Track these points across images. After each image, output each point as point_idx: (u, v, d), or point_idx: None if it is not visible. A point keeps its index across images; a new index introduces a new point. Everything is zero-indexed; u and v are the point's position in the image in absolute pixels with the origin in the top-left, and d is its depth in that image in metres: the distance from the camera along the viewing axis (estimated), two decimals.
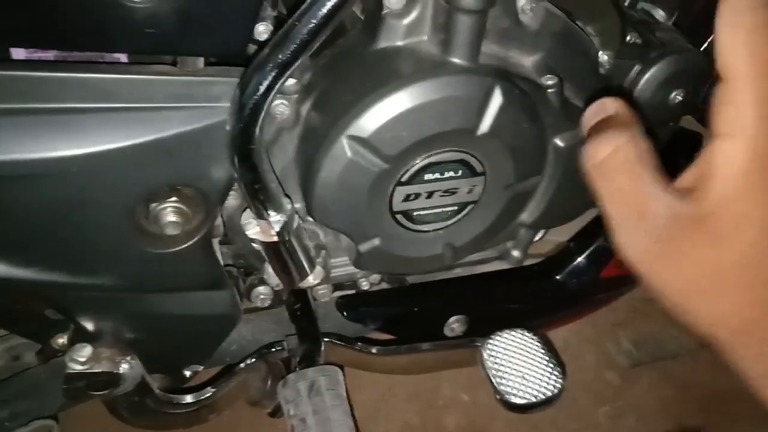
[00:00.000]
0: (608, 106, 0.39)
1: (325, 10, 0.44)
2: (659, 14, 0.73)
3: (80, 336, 0.61)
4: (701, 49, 0.75)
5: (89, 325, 0.61)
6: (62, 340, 0.65)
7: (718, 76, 0.33)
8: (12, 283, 0.53)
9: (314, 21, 0.45)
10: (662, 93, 0.70)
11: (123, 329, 0.62)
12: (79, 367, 0.59)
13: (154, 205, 0.54)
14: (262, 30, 0.56)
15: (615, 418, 1.20)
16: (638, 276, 0.35)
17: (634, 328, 1.32)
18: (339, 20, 0.45)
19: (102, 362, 0.60)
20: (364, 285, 0.76)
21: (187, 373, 0.71)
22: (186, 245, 0.56)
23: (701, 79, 0.72)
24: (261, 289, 0.72)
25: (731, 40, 0.32)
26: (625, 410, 1.21)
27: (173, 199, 0.54)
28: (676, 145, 0.82)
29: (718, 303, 0.33)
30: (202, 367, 0.72)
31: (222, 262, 0.64)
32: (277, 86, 0.46)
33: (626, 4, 0.70)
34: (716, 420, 1.21)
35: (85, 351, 0.59)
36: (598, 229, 0.79)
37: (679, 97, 0.71)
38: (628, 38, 0.68)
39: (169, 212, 0.54)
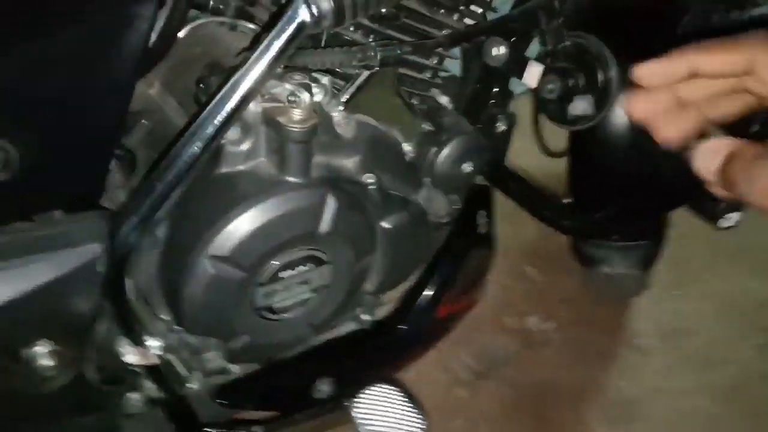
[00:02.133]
0: (721, 146, 0.42)
1: (185, 162, 0.51)
2: (444, 100, 0.90)
3: None
4: (476, 125, 0.94)
5: None
6: None
7: None
8: None
9: (176, 171, 0.52)
10: (456, 166, 0.86)
11: None
12: None
13: (25, 351, 0.56)
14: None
15: (468, 429, 1.37)
16: None
17: (470, 344, 1.52)
18: (199, 169, 0.52)
19: None
20: (234, 369, 0.82)
21: None
22: (63, 381, 0.59)
23: (483, 150, 0.90)
24: (133, 396, 0.74)
25: None
26: (476, 419, 1.39)
27: (46, 342, 0.56)
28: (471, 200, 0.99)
29: None
30: None
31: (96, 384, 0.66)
32: (145, 232, 0.52)
33: (417, 100, 0.85)
34: (544, 409, 1.44)
35: None
36: (425, 279, 0.94)
37: (470, 167, 0.88)
38: (422, 128, 0.83)
39: (42, 355, 0.56)
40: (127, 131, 0.70)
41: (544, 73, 0.82)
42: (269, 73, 0.54)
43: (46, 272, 0.53)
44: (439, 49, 0.81)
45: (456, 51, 0.86)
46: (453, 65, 0.87)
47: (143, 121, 0.72)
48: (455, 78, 0.90)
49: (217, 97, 0.53)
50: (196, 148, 0.52)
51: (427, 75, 0.83)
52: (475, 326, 1.52)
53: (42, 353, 0.56)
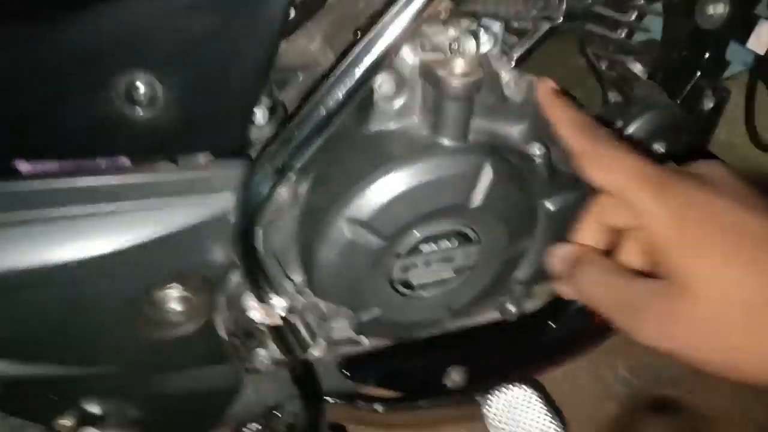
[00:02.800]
0: (566, 248, 0.50)
1: (325, 111, 0.46)
2: (637, 68, 0.76)
3: (86, 419, 0.62)
4: (678, 101, 0.78)
5: (95, 409, 0.62)
6: (64, 421, 0.65)
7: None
8: (23, 378, 0.54)
9: (317, 119, 0.46)
10: (645, 145, 0.72)
11: (128, 410, 0.63)
12: None
13: (157, 293, 0.55)
14: (259, 115, 0.58)
15: None
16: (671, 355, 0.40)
17: (630, 356, 1.35)
18: (340, 120, 0.47)
19: None
20: (365, 341, 0.77)
21: None
22: (192, 328, 0.57)
23: (680, 129, 0.75)
24: (261, 352, 0.73)
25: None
26: None
27: (178, 288, 0.55)
28: None
29: (728, 349, 0.38)
30: None
31: (225, 336, 0.65)
32: (280, 183, 0.47)
33: (605, 65, 0.72)
34: None
35: None
36: None
37: (661, 149, 0.73)
38: (609, 98, 0.70)
39: (174, 301, 0.56)
40: (282, 86, 0.67)
41: None
42: (422, 15, 0.47)
43: (181, 216, 0.51)
44: (640, 2, 0.67)
45: (659, 7, 0.71)
46: (655, 24, 0.72)
47: (300, 76, 0.69)
48: (655, 42, 0.75)
49: (363, 41, 0.46)
50: (338, 96, 0.46)
51: (620, 35, 0.70)
52: None
53: (173, 297, 0.56)
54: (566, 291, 0.48)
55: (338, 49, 0.66)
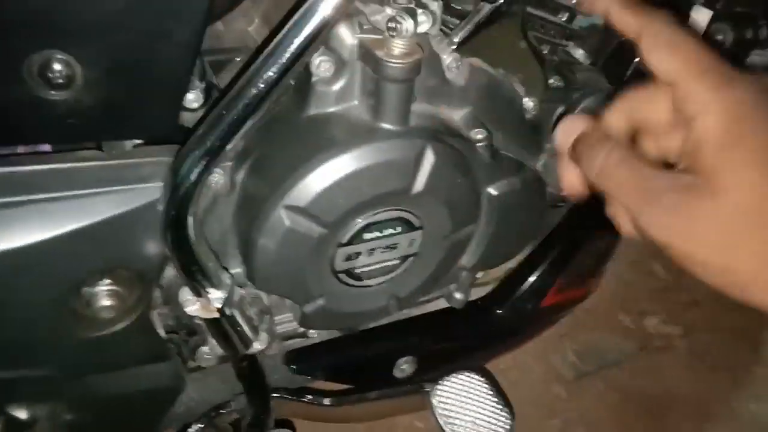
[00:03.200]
0: (578, 124, 0.46)
1: (256, 91, 0.44)
2: (579, 53, 0.76)
3: (12, 426, 0.58)
4: (618, 86, 0.79)
5: (22, 414, 0.58)
6: None
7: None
8: None
9: (247, 102, 0.44)
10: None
11: (60, 413, 0.60)
12: None
13: (86, 289, 0.52)
14: (192, 98, 0.56)
15: (565, 430, 1.24)
16: (665, 250, 0.40)
17: (576, 339, 1.37)
18: (273, 101, 0.45)
19: None
20: (312, 334, 0.76)
21: None
22: (124, 324, 0.55)
23: None
24: (205, 348, 0.70)
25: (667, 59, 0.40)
26: (574, 422, 1.25)
27: (107, 282, 0.52)
28: None
29: (732, 253, 0.38)
30: None
31: (163, 333, 0.62)
32: (210, 169, 0.45)
33: (546, 49, 0.72)
34: (660, 422, 1.27)
35: None
36: (536, 259, 0.82)
37: None
38: (550, 82, 0.70)
39: (103, 296, 0.53)
40: (219, 69, 0.64)
41: (713, 20, 0.66)
42: None
43: (108, 206, 0.48)
44: None
45: None
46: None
47: (237, 58, 0.66)
48: (596, 27, 0.75)
49: (295, 17, 0.44)
50: (269, 76, 0.44)
51: (562, 19, 0.70)
52: (585, 320, 1.37)
53: (103, 292, 0.53)
54: (573, 176, 0.46)
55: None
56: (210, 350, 0.70)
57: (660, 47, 0.41)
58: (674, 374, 1.36)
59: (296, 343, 0.77)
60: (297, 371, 0.74)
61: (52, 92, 0.43)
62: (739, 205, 0.37)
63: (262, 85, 0.44)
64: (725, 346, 1.41)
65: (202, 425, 0.68)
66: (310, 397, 0.72)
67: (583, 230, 0.85)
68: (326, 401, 0.72)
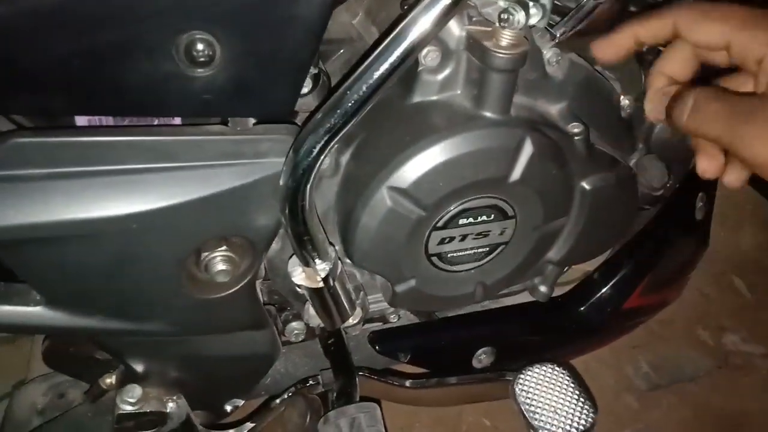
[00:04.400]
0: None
1: (376, 77, 0.47)
2: None
3: (129, 377, 0.64)
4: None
5: (138, 367, 0.64)
6: (110, 380, 0.67)
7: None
8: (71, 330, 0.56)
9: (365, 88, 0.48)
10: (681, 132, 0.72)
11: (169, 370, 0.65)
12: (129, 408, 0.62)
13: (205, 254, 0.57)
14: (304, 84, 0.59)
15: None
16: (764, 169, 0.42)
17: (651, 351, 1.34)
18: (389, 87, 0.48)
19: (151, 402, 0.63)
20: (393, 319, 0.78)
21: (228, 409, 0.74)
22: (233, 290, 0.59)
23: None
24: (295, 324, 0.75)
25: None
26: None
27: (223, 248, 0.57)
28: (692, 178, 0.85)
29: None
30: (242, 402, 0.75)
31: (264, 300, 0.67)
32: (328, 148, 0.49)
33: (644, 48, 0.72)
34: None
35: (136, 392, 0.62)
36: (621, 260, 0.82)
37: None
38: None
39: (219, 261, 0.57)
40: (325, 58, 0.68)
41: None
42: None
43: (231, 177, 0.53)
44: None
45: None
46: None
47: (341, 50, 0.70)
48: None
49: (411, 14, 0.47)
50: (384, 69, 0.47)
51: None
52: (661, 331, 1.34)
53: (219, 258, 0.57)
54: (676, 119, 0.49)
55: (381, 24, 0.68)
56: (300, 326, 0.74)
57: (695, 23, 0.48)
58: (751, 394, 1.30)
59: (375, 326, 0.80)
60: (381, 351, 0.77)
61: (194, 69, 0.48)
62: None
63: (376, 78, 0.47)
64: None
65: (291, 394, 0.72)
66: (393, 378, 0.75)
67: (670, 235, 0.84)
68: (407, 383, 0.75)
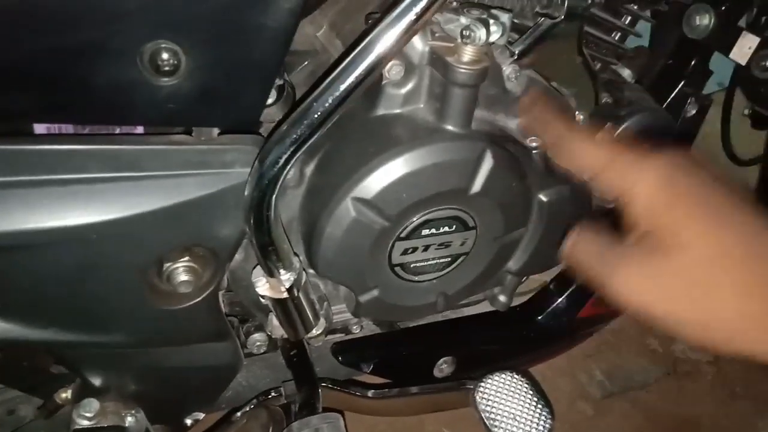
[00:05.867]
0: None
1: (342, 89, 0.48)
2: (626, 73, 0.80)
3: (86, 391, 0.62)
4: (663, 105, 0.82)
5: (96, 380, 0.62)
6: (65, 394, 0.65)
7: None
8: (26, 343, 0.54)
9: (332, 99, 0.48)
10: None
11: (128, 382, 0.64)
12: (86, 423, 0.60)
13: (167, 264, 0.56)
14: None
15: None
16: (645, 316, 0.41)
17: (604, 359, 1.38)
18: (355, 99, 0.48)
19: (108, 416, 0.61)
20: (356, 330, 0.79)
21: (188, 422, 0.73)
22: (196, 301, 0.58)
23: (666, 133, 0.79)
24: (257, 336, 0.74)
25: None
26: None
27: (186, 258, 0.56)
28: None
29: (708, 306, 0.39)
30: (202, 416, 0.74)
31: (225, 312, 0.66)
32: (294, 159, 0.49)
33: (598, 66, 0.76)
34: None
35: (93, 406, 0.60)
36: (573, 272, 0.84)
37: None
38: (601, 98, 0.74)
39: (181, 271, 0.57)
40: (290, 70, 0.69)
41: (760, 47, 0.69)
42: (437, 5, 0.49)
43: (196, 187, 0.52)
44: (634, 8, 0.71)
45: (650, 13, 0.75)
46: (645, 31, 0.76)
47: (306, 62, 0.71)
48: (644, 49, 0.79)
49: (378, 28, 0.48)
50: (351, 79, 0.48)
51: (615, 38, 0.74)
52: (613, 340, 1.38)
53: (182, 268, 0.57)
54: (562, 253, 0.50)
55: (345, 36, 0.69)
56: (263, 338, 0.74)
57: (568, 152, 0.48)
58: (699, 400, 1.36)
59: (337, 338, 0.80)
60: (344, 362, 0.77)
61: (159, 78, 0.47)
62: (703, 256, 0.39)
63: (342, 91, 0.48)
64: (751, 375, 1.41)
65: (253, 406, 0.71)
66: (355, 389, 0.75)
67: None
68: (370, 393, 0.75)
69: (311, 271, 0.63)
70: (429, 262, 0.66)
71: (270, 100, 0.62)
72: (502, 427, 0.66)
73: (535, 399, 0.69)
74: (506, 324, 0.85)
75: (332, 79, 0.50)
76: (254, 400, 0.73)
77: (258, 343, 0.74)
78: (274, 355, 0.79)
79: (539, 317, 0.85)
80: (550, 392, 1.29)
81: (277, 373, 0.79)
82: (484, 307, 0.84)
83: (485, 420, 0.66)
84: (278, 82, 0.61)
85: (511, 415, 0.67)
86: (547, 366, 1.31)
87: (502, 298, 0.75)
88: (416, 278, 0.66)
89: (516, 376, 0.70)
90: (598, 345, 1.37)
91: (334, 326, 0.76)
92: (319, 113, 0.50)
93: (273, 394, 0.73)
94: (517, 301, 0.87)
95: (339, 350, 0.77)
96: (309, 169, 0.61)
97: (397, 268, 0.64)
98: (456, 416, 1.24)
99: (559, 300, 0.85)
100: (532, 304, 0.86)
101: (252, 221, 0.52)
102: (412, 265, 0.65)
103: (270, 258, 0.55)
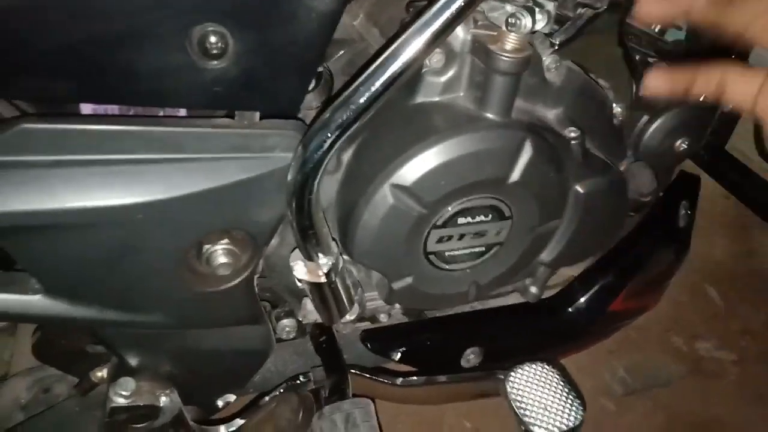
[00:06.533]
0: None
1: (387, 75, 0.48)
2: (662, 65, 0.79)
3: (122, 370, 0.63)
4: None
5: (132, 360, 0.63)
6: (101, 373, 0.67)
7: None
8: (68, 321, 0.55)
9: (376, 85, 0.48)
10: (668, 141, 0.75)
11: (164, 363, 0.65)
12: (122, 401, 0.61)
13: (207, 247, 0.57)
14: None
15: None
16: None
17: (627, 357, 1.37)
18: (400, 85, 0.48)
19: (144, 395, 0.62)
20: (383, 318, 0.79)
21: (220, 404, 0.74)
22: (233, 284, 0.59)
23: (703, 128, 0.78)
24: (287, 321, 0.75)
25: None
26: None
27: (225, 241, 0.57)
28: (676, 186, 0.88)
29: None
30: (234, 398, 0.74)
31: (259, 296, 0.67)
32: (337, 144, 0.49)
33: (637, 58, 0.75)
34: None
35: (129, 385, 0.61)
36: (608, 263, 0.84)
37: (684, 145, 0.76)
38: (639, 91, 0.73)
39: (220, 254, 0.57)
40: (328, 58, 0.69)
41: None
42: None
43: (237, 171, 0.53)
44: None
45: None
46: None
47: (342, 51, 0.71)
48: (681, 42, 0.78)
49: (422, 18, 0.48)
50: (393, 69, 0.48)
51: (655, 30, 0.73)
52: (636, 338, 1.37)
53: (221, 251, 0.57)
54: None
55: (382, 25, 0.69)
56: (292, 323, 0.74)
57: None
58: (723, 400, 1.34)
59: (365, 325, 0.80)
60: (373, 350, 0.77)
61: (207, 61, 0.48)
62: None
63: (388, 74, 0.48)
64: None
65: (283, 390, 0.72)
66: (384, 376, 0.75)
67: (653, 241, 0.87)
68: (398, 381, 0.75)
69: (345, 257, 0.64)
70: (463, 251, 0.66)
71: (310, 87, 0.62)
72: (532, 417, 0.66)
73: (566, 390, 0.69)
74: (536, 316, 0.84)
75: (377, 67, 0.50)
76: (284, 385, 0.73)
77: (287, 329, 0.75)
78: (302, 341, 0.80)
79: (568, 309, 0.84)
80: None
81: (305, 358, 0.80)
82: (512, 299, 0.84)
83: (516, 409, 0.66)
84: (318, 69, 0.61)
85: (542, 406, 0.67)
86: (569, 361, 1.30)
87: (533, 289, 0.75)
88: (450, 267, 0.66)
89: (547, 366, 0.70)
90: (620, 341, 1.36)
91: (365, 314, 0.77)
92: (362, 100, 0.50)
93: (302, 379, 0.74)
94: (545, 294, 0.87)
95: (368, 337, 0.78)
96: (346, 156, 0.61)
97: (431, 256, 0.64)
98: (476, 409, 1.25)
99: (591, 292, 0.85)
100: (561, 296, 0.85)
101: (294, 205, 0.52)
102: (446, 254, 0.65)
103: (310, 242, 0.55)
